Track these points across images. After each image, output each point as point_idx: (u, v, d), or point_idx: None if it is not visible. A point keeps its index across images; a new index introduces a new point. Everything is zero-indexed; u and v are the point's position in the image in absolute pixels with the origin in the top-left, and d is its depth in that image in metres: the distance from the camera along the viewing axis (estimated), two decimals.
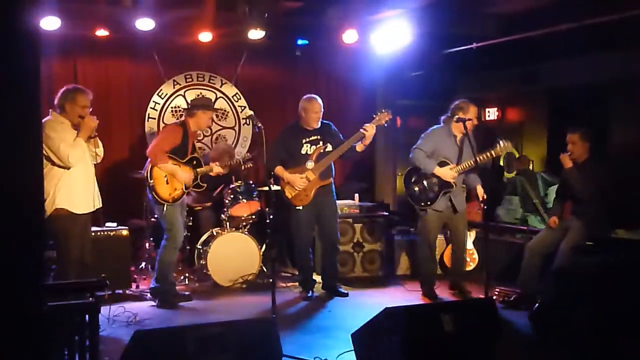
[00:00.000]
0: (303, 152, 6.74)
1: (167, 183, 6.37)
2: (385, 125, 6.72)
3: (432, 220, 6.74)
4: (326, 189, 6.82)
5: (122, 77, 8.32)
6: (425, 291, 6.83)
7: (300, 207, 6.71)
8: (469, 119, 6.45)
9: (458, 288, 6.90)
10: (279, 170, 6.73)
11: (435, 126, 6.83)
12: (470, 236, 7.49)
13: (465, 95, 8.59)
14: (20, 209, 2.53)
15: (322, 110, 6.80)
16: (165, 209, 6.35)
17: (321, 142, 6.78)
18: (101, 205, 5.76)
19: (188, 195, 6.76)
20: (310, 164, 6.71)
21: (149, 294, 6.58)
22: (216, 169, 6.70)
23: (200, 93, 8.60)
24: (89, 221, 5.74)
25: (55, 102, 5.52)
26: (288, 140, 6.81)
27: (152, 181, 6.34)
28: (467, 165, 6.50)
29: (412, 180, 6.75)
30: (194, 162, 6.55)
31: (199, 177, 6.56)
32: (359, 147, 6.71)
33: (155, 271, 6.49)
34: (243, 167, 6.98)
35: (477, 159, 6.29)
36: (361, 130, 6.58)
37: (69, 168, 5.39)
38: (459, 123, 6.42)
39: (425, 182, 6.66)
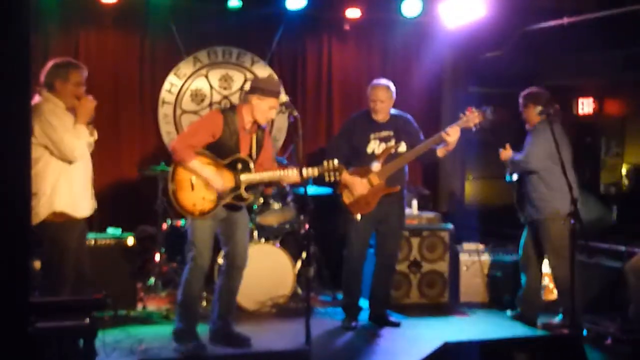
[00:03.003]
0: (369, 150, 6.70)
1: (193, 189, 5.84)
2: (475, 129, 6.57)
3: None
4: (393, 197, 6.74)
5: (132, 53, 8.39)
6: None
7: (359, 217, 6.70)
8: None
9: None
10: None
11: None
12: None
13: (553, 82, 8.53)
14: (3, 210, 2.57)
15: (392, 98, 6.76)
16: (191, 220, 5.95)
17: (393, 140, 6.73)
18: (96, 206, 5.76)
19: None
20: (376, 166, 6.63)
21: (172, 340, 6.06)
22: (265, 174, 5.96)
23: (227, 73, 8.68)
24: (86, 227, 5.77)
25: (42, 78, 5.46)
26: (353, 132, 6.79)
27: (173, 184, 5.84)
28: None
29: None
30: (239, 166, 5.92)
31: (242, 186, 5.91)
32: (441, 152, 6.63)
33: (177, 305, 6.08)
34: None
35: None
36: (442, 133, 6.49)
37: (71, 163, 5.42)
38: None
39: None
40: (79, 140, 5.43)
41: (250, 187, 5.98)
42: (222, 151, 5.88)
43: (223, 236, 6.09)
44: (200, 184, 5.81)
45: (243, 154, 5.93)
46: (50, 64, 5.55)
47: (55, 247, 5.41)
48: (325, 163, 5.83)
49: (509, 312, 7.22)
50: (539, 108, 6.66)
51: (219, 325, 6.14)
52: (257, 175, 5.94)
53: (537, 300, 7.08)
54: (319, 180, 6.60)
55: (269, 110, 5.93)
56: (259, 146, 6.07)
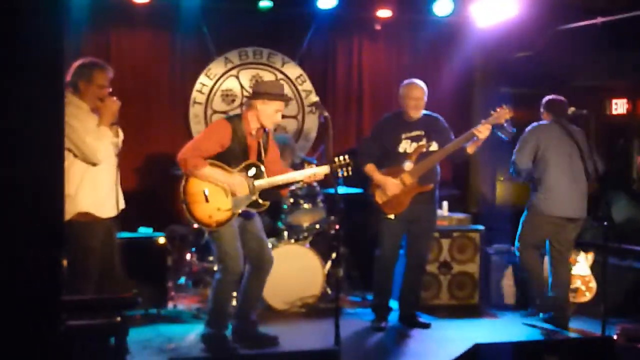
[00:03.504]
0: (401, 150, 6.71)
1: (207, 201, 5.76)
2: (505, 125, 6.61)
3: None
4: (426, 196, 6.74)
5: (163, 53, 8.44)
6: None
7: (392, 216, 6.70)
8: None
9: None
10: (370, 168, 6.70)
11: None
12: (587, 259, 7.37)
13: (585, 82, 8.48)
14: (37, 209, 2.60)
15: (425, 98, 6.79)
16: (211, 232, 5.91)
17: (425, 139, 6.74)
18: (124, 206, 5.77)
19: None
20: (408, 165, 6.66)
21: (201, 343, 6.05)
22: (279, 178, 5.98)
23: (257, 74, 8.70)
24: (114, 227, 5.77)
25: (68, 78, 5.45)
26: (384, 133, 6.81)
27: (186, 197, 5.79)
28: None
29: None
30: (252, 172, 5.89)
31: (256, 192, 5.87)
32: (471, 149, 6.65)
33: (207, 312, 6.09)
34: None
35: None
36: (473, 130, 6.51)
37: (95, 164, 5.45)
38: None
39: None
40: (102, 141, 5.44)
41: (265, 192, 5.94)
42: (231, 159, 5.85)
43: (242, 241, 6.03)
44: (214, 195, 5.76)
45: (253, 159, 5.92)
46: (76, 64, 5.56)
47: (79, 246, 5.42)
48: (336, 159, 5.83)
49: (540, 315, 7.19)
50: (552, 115, 6.98)
51: (243, 325, 6.15)
52: (272, 180, 5.92)
53: (567, 303, 7.05)
54: (346, 180, 6.62)
55: (275, 114, 5.91)
56: (265, 150, 6.05)
